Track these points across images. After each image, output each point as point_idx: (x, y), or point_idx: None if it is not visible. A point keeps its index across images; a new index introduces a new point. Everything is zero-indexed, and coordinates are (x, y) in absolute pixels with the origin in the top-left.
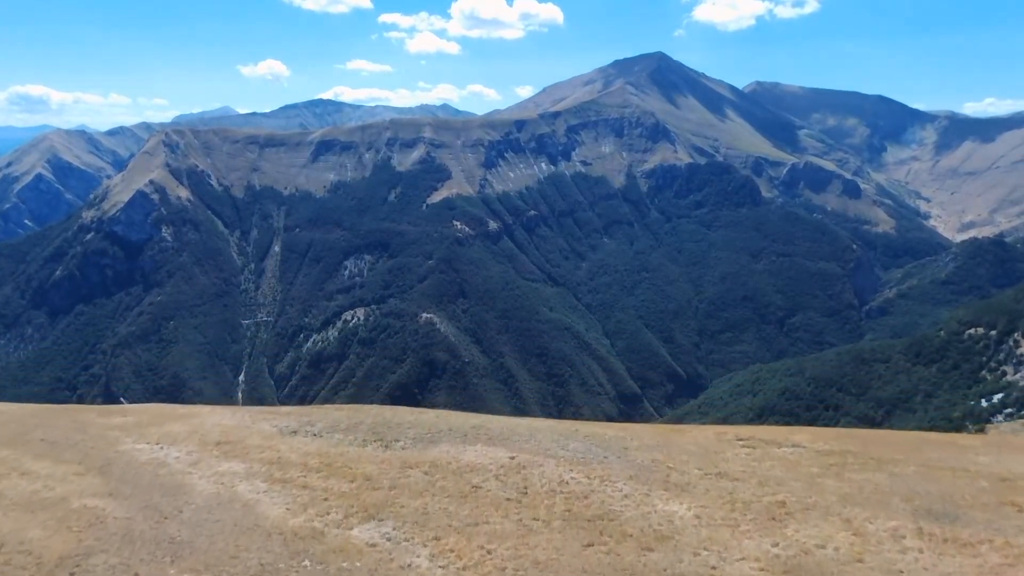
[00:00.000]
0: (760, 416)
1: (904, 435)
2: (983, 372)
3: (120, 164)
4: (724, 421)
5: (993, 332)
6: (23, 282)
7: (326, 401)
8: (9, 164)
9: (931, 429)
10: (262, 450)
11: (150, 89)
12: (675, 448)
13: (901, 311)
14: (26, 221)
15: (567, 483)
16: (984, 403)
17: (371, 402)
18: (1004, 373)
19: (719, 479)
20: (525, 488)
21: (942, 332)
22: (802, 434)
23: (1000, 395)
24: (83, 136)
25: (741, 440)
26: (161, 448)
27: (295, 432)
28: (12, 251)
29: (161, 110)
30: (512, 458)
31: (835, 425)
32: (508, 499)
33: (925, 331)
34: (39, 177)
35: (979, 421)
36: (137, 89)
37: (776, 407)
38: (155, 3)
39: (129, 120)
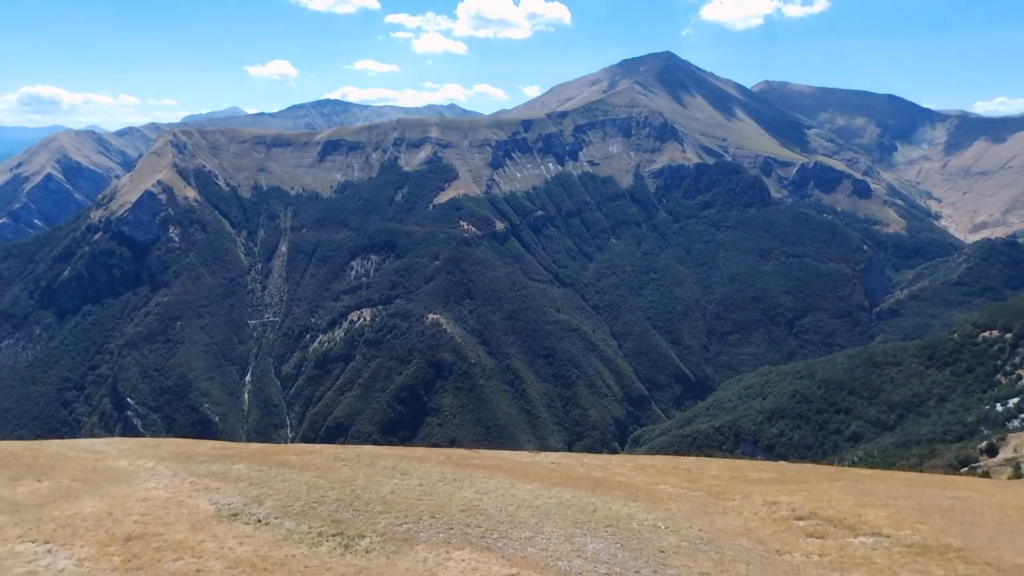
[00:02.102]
0: (770, 419)
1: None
2: (998, 376)
3: (129, 164)
4: (733, 424)
5: (1008, 335)
6: (31, 282)
7: (331, 402)
8: (19, 164)
9: (944, 433)
10: (179, 554)
11: (159, 90)
12: (726, 546)
13: (912, 313)
14: (36, 221)
15: None
16: (999, 407)
17: (376, 404)
18: (1020, 377)
19: None
20: None
21: (955, 335)
22: (875, 509)
23: (1016, 399)
24: (92, 136)
25: (802, 521)
26: (49, 552)
27: (236, 515)
28: (21, 251)
29: (170, 111)
30: None
31: (847, 430)
32: None
33: (938, 333)
34: (49, 177)
35: (994, 426)
36: (147, 90)
37: (786, 410)
38: (165, 5)
39: (138, 120)
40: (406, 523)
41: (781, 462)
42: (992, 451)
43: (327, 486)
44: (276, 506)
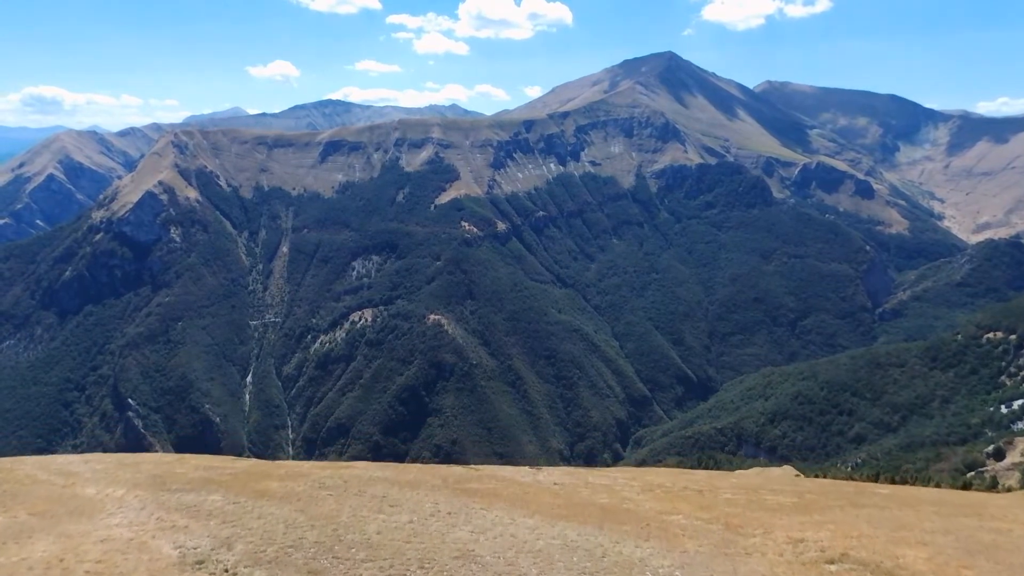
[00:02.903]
0: (773, 421)
1: None
2: (1002, 377)
3: (131, 164)
4: (736, 426)
5: (1013, 336)
6: (33, 282)
7: (333, 403)
8: (21, 165)
9: (949, 435)
10: None
11: (162, 90)
12: None
13: (915, 314)
14: (38, 221)
15: None
16: (1004, 409)
17: (378, 405)
18: None
19: None
20: None
21: (959, 336)
22: (912, 548)
23: (1021, 401)
24: (94, 137)
25: (833, 565)
26: None
27: (201, 563)
28: (22, 251)
29: (172, 111)
30: None
31: (850, 431)
32: None
33: (941, 334)
34: (51, 178)
35: (999, 428)
36: (149, 90)
37: (789, 411)
38: (167, 5)
39: (140, 121)
40: (391, 571)
41: (798, 478)
42: (999, 455)
43: (307, 524)
44: (247, 551)
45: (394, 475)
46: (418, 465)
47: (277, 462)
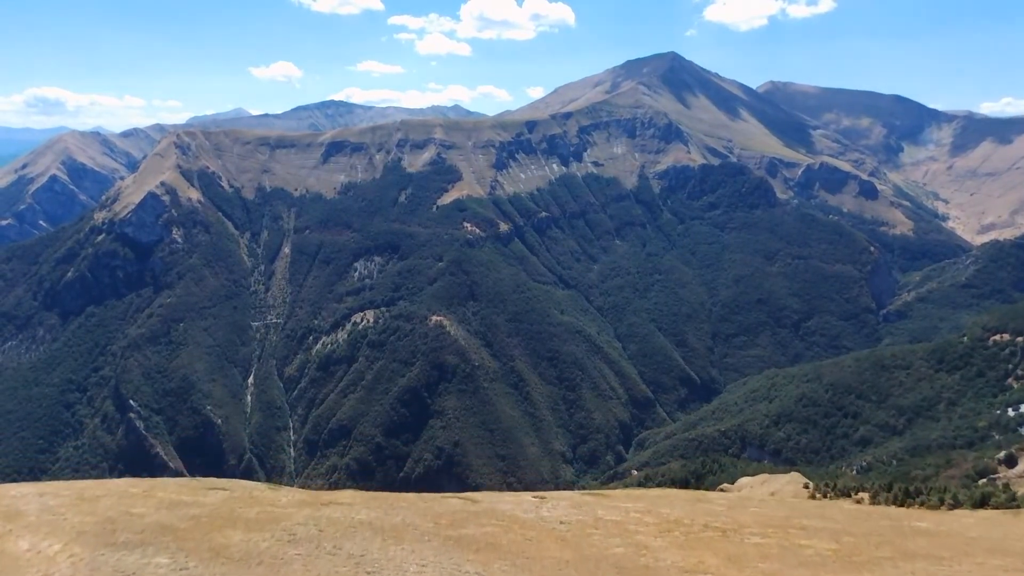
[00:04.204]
0: (777, 423)
1: None
2: (1009, 380)
3: (133, 165)
4: (739, 428)
5: (1020, 339)
6: (35, 284)
7: (334, 405)
8: (24, 165)
9: (955, 439)
10: None
11: (165, 91)
12: None
13: (920, 315)
14: (41, 222)
15: None
16: (1011, 413)
17: (380, 406)
18: None
19: None
20: None
21: (965, 338)
22: None
23: None
24: (97, 138)
25: None
26: None
27: None
28: (25, 252)
29: (175, 112)
30: None
31: (855, 434)
32: None
33: (946, 336)
34: (54, 179)
35: (1006, 431)
36: (152, 91)
37: (793, 414)
38: (170, 7)
39: (144, 122)
40: None
41: (832, 515)
42: (1011, 461)
43: None
44: None
45: (380, 517)
46: (410, 499)
47: (254, 496)
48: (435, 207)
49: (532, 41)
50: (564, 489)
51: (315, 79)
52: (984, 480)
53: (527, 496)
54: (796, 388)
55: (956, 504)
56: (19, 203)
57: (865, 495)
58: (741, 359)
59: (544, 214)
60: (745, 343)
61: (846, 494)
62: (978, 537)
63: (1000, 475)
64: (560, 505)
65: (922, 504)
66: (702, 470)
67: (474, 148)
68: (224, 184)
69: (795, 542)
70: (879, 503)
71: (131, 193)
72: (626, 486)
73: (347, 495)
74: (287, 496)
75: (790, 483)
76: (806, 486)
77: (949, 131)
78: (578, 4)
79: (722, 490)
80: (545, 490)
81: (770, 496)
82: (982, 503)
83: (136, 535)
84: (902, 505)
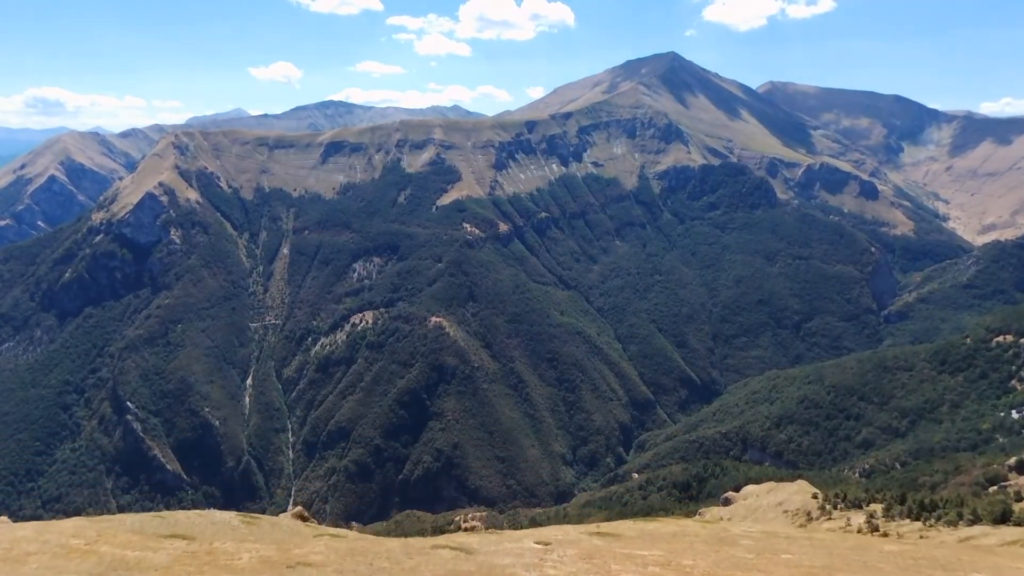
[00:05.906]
0: (778, 425)
1: None
2: (1013, 381)
3: (132, 166)
4: (741, 430)
5: (1023, 340)
6: (33, 284)
7: (333, 406)
8: (23, 166)
9: (959, 441)
10: None
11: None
12: None
13: (921, 316)
14: (39, 222)
15: None
16: (1015, 414)
17: (379, 408)
18: None
19: None
20: None
21: (968, 339)
22: None
23: None
24: (96, 138)
25: None
26: None
27: None
28: (22, 253)
29: (175, 112)
30: None
31: (857, 436)
32: None
33: (948, 337)
34: (52, 179)
35: (1010, 434)
36: (151, 91)
37: (794, 416)
38: (169, 7)
39: (144, 122)
40: None
41: (876, 564)
42: (1021, 468)
43: None
44: None
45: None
46: (393, 550)
47: (211, 553)
48: (434, 208)
49: (532, 41)
50: (564, 492)
51: (315, 79)
52: (995, 488)
53: (530, 543)
54: (797, 389)
55: (975, 519)
56: (17, 203)
57: (878, 507)
58: (742, 360)
59: (544, 214)
60: (746, 344)
61: (857, 506)
62: None
63: (1011, 482)
64: (568, 556)
65: (939, 519)
66: (704, 473)
67: (474, 148)
68: (223, 184)
69: None
70: (892, 517)
71: (129, 194)
72: (627, 489)
73: (321, 549)
74: (250, 552)
75: (798, 493)
76: (815, 496)
77: (949, 131)
78: (578, 4)
79: (727, 500)
80: (545, 492)
81: (801, 534)
82: (1003, 518)
83: None
84: (918, 519)
